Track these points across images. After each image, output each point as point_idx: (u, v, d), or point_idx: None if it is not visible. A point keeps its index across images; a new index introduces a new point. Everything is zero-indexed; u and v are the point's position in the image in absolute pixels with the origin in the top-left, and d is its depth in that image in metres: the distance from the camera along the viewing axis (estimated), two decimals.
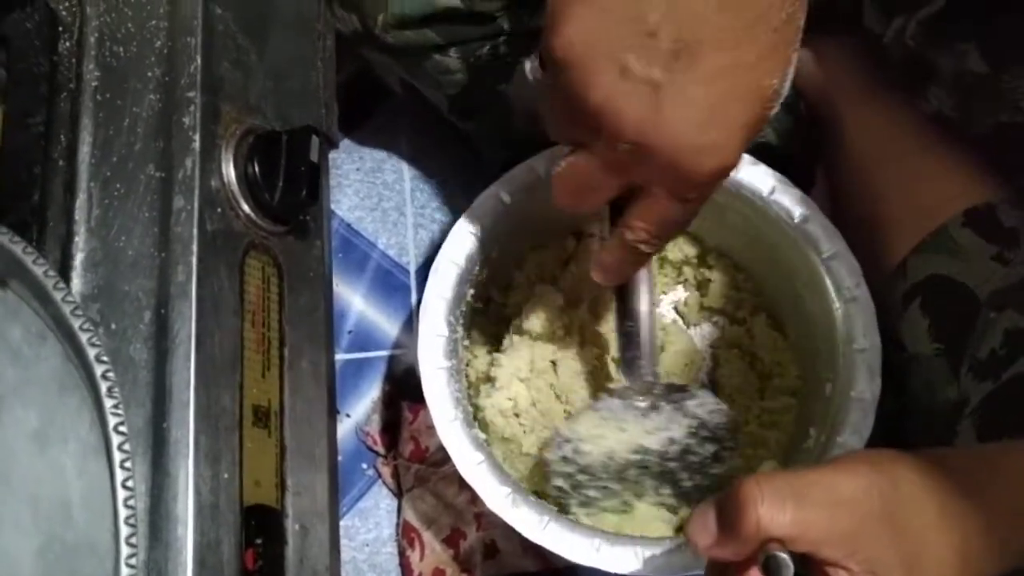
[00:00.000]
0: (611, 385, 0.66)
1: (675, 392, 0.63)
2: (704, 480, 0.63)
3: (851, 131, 0.74)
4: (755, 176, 0.68)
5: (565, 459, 0.63)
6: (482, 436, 0.65)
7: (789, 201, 0.68)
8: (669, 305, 0.79)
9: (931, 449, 0.49)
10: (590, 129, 0.48)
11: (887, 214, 0.69)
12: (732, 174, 0.67)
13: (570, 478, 0.63)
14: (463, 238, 0.68)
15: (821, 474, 0.45)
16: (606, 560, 0.60)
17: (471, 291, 0.70)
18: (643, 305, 0.61)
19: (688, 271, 0.78)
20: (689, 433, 0.63)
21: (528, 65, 0.48)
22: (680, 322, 0.78)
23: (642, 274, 0.60)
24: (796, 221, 0.67)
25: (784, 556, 0.43)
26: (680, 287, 0.79)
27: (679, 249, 0.77)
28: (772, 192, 0.68)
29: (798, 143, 0.75)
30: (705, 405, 0.63)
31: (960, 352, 0.62)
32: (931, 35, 0.63)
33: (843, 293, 0.66)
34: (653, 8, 0.44)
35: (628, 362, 0.62)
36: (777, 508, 0.43)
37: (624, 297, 0.61)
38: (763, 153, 0.71)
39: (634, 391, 0.63)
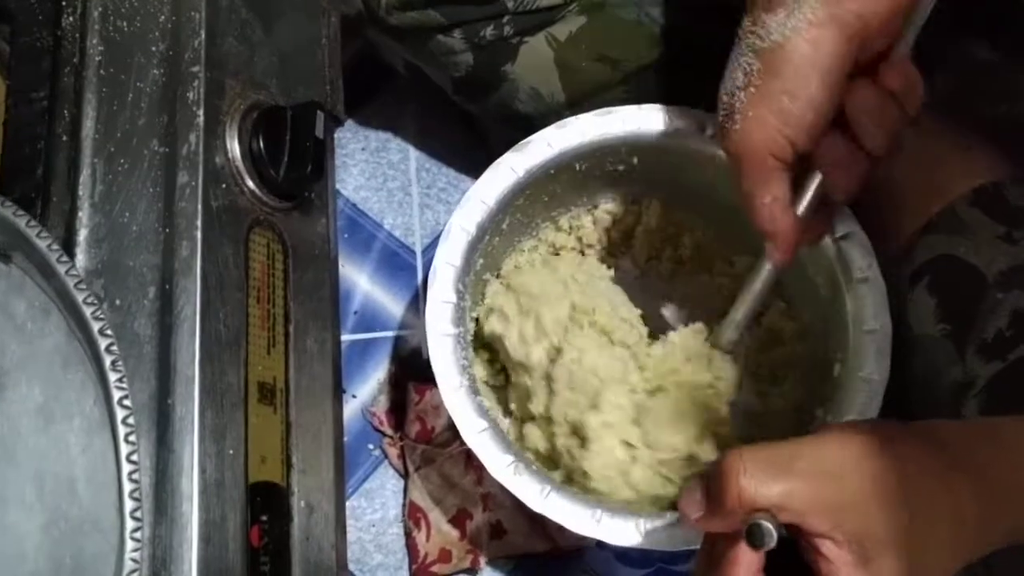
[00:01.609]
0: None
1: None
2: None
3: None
4: None
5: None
6: (487, 404, 0.65)
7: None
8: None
9: (928, 420, 0.49)
10: None
11: (894, 193, 0.69)
12: None
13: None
14: (475, 205, 0.68)
15: (807, 445, 0.45)
16: (606, 531, 0.60)
17: (481, 260, 0.69)
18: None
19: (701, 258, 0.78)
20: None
21: None
22: None
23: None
24: None
25: (767, 524, 0.43)
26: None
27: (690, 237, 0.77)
28: None
29: None
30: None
31: (966, 333, 0.62)
32: (939, 27, 0.62)
33: (855, 274, 0.65)
34: None
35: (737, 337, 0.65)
36: (760, 479, 0.43)
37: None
38: None
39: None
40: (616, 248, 0.78)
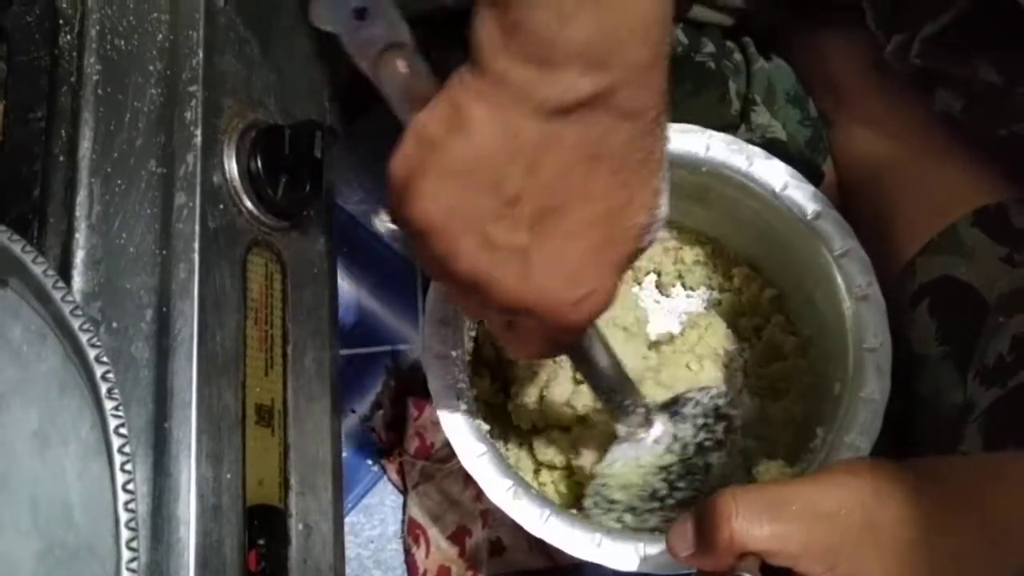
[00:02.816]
0: (615, 442, 0.64)
1: (669, 407, 0.63)
2: (729, 455, 0.63)
3: (860, 127, 0.73)
4: (768, 171, 0.67)
5: (602, 508, 0.63)
6: (485, 427, 0.65)
7: (802, 197, 0.67)
8: (701, 298, 0.79)
9: (928, 458, 0.48)
10: (463, 288, 0.47)
11: (896, 212, 0.69)
12: (745, 168, 0.67)
13: (615, 517, 0.63)
14: None
15: (800, 487, 0.44)
16: (607, 556, 0.60)
17: None
18: (603, 360, 0.58)
19: (700, 271, 0.77)
20: (696, 427, 0.63)
21: (377, 220, 0.46)
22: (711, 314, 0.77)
23: (587, 338, 0.57)
24: (808, 218, 0.66)
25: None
26: (694, 288, 0.79)
27: (689, 250, 0.77)
28: (785, 188, 0.67)
29: (807, 138, 0.74)
30: (699, 404, 0.63)
31: (967, 356, 0.61)
32: (940, 51, 0.62)
33: (854, 291, 0.65)
34: (510, 179, 0.42)
35: (617, 408, 0.61)
36: (752, 522, 0.43)
37: (580, 361, 0.59)
38: (772, 148, 0.70)
39: (633, 429, 0.62)
40: None
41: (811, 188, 0.67)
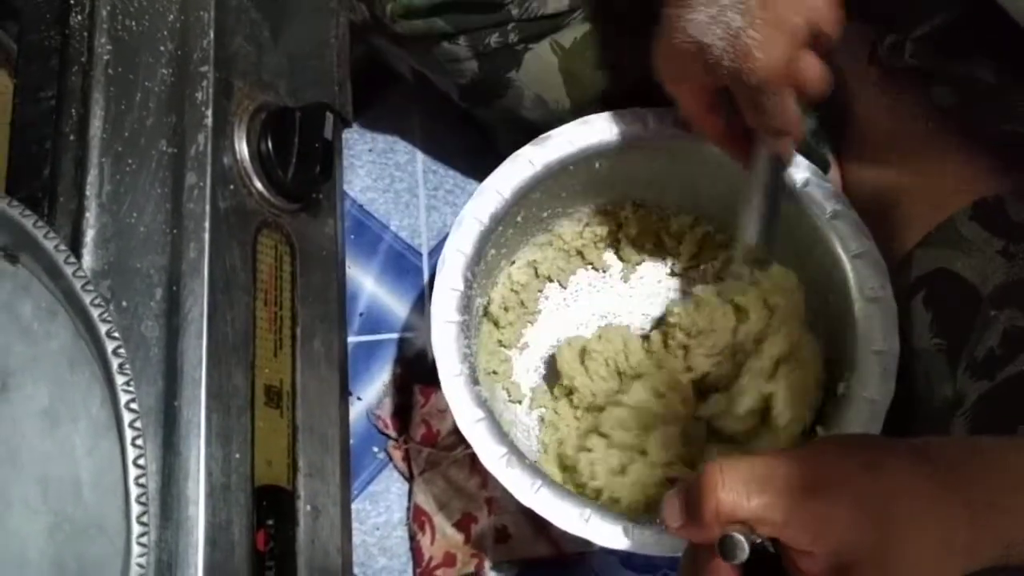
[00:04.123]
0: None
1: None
2: None
3: (861, 118, 0.73)
4: (792, 167, 0.67)
5: None
6: (484, 394, 0.65)
7: (822, 195, 0.67)
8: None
9: (918, 438, 0.48)
10: None
11: (896, 204, 0.69)
12: None
13: None
14: (489, 196, 0.68)
15: (788, 459, 0.44)
16: (594, 531, 0.60)
17: (493, 251, 0.69)
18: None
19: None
20: None
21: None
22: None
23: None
24: (827, 216, 0.67)
25: (738, 536, 0.42)
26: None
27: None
28: (806, 185, 0.67)
29: (812, 129, 0.74)
30: None
31: (959, 349, 0.61)
32: (933, 51, 0.63)
33: (866, 293, 0.65)
34: None
35: (767, 240, 0.64)
36: (738, 492, 0.43)
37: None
38: None
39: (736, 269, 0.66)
40: (629, 245, 0.78)
41: (830, 186, 0.68)
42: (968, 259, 0.63)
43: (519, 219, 0.71)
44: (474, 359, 0.66)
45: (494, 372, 0.74)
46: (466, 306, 0.66)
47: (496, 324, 0.74)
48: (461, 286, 0.66)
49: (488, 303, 0.74)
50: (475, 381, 0.64)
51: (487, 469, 0.61)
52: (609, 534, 0.60)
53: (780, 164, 0.64)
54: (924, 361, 0.63)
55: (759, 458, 0.45)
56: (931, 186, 0.67)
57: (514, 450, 0.62)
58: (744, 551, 0.42)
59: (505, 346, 0.75)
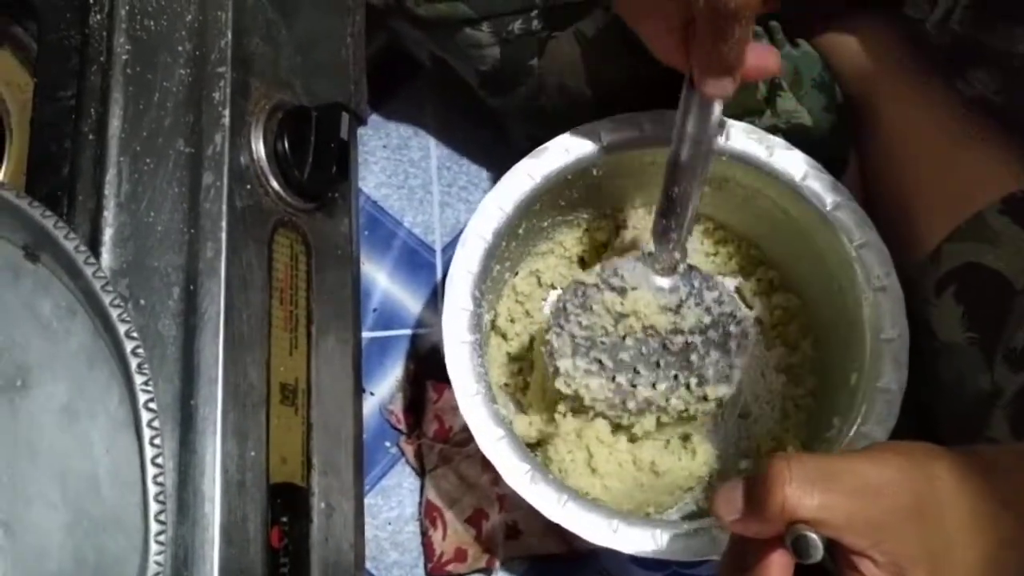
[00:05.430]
0: (638, 250, 0.66)
1: (698, 277, 0.64)
2: (697, 383, 0.64)
3: (887, 114, 0.73)
4: (788, 161, 0.68)
5: (568, 309, 0.64)
6: (503, 412, 0.65)
7: (821, 187, 0.67)
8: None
9: (980, 446, 0.48)
10: None
11: (922, 199, 0.68)
12: (764, 158, 0.67)
13: (570, 338, 0.64)
14: (491, 213, 0.68)
15: (852, 460, 0.44)
16: (623, 541, 0.60)
17: (497, 266, 0.69)
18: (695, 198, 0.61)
19: (718, 260, 0.78)
20: (699, 329, 0.64)
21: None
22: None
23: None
24: (828, 208, 0.67)
25: (814, 536, 0.42)
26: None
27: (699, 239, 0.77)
28: (805, 178, 0.67)
29: (832, 124, 0.74)
30: (723, 304, 0.64)
31: (994, 341, 0.61)
32: (981, 18, 0.62)
33: (872, 282, 0.65)
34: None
35: (661, 230, 0.62)
36: (804, 490, 0.43)
37: (677, 167, 0.61)
38: (797, 134, 0.70)
39: (659, 263, 0.63)
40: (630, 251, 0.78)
41: (830, 178, 0.67)
42: (999, 252, 0.63)
43: (520, 231, 0.71)
44: (487, 376, 0.66)
45: (505, 384, 0.74)
46: (476, 324, 0.66)
47: (504, 337, 0.74)
48: (471, 305, 0.66)
49: (495, 317, 0.74)
50: (492, 399, 0.64)
51: (511, 487, 0.61)
52: (638, 542, 0.60)
53: (710, 112, 0.60)
54: (955, 355, 0.63)
55: (826, 457, 0.45)
56: (959, 181, 0.67)
57: (536, 466, 0.62)
58: (819, 551, 0.42)
59: (514, 358, 0.75)
